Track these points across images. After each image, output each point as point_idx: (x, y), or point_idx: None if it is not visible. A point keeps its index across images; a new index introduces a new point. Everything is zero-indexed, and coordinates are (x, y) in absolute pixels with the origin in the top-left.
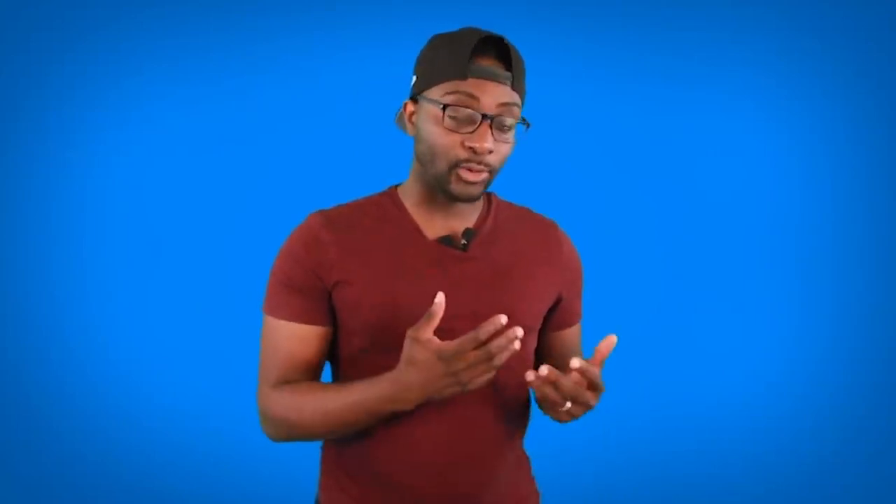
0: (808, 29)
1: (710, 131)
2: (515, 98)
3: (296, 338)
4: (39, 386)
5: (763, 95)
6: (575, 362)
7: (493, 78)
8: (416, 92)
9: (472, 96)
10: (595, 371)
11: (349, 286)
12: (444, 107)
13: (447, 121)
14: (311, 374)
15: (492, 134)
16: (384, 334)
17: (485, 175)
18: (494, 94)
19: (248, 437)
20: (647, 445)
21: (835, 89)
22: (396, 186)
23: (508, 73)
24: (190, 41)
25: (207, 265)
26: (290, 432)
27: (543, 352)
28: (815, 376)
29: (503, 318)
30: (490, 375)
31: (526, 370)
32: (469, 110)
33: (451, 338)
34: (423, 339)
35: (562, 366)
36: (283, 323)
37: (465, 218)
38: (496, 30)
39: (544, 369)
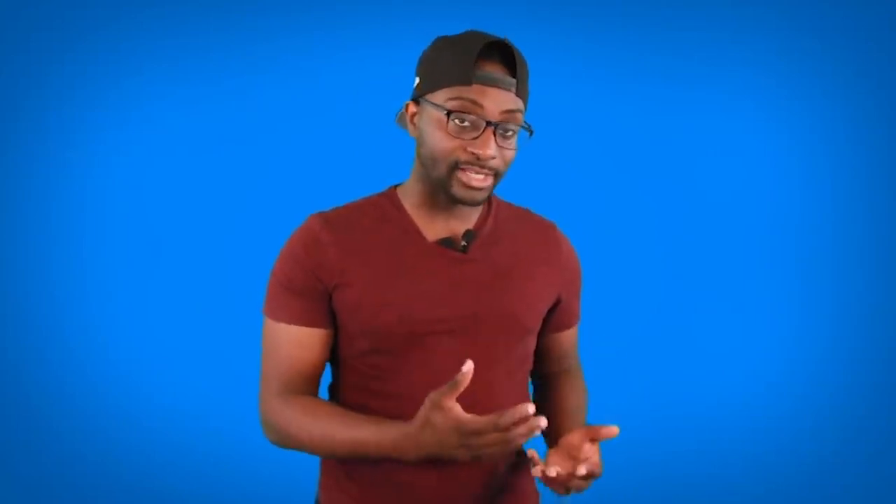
0: (808, 29)
1: (710, 131)
2: (519, 104)
3: (297, 341)
4: (39, 386)
5: (763, 95)
6: (582, 470)
7: (497, 84)
8: (419, 94)
9: (476, 103)
10: (597, 471)
11: (349, 288)
12: (449, 113)
13: (451, 126)
14: (312, 378)
15: (495, 140)
16: (384, 336)
17: (490, 180)
18: (498, 101)
19: (248, 437)
20: (647, 445)
21: (835, 89)
22: (396, 187)
23: (513, 79)
24: (190, 41)
25: (207, 265)
26: (289, 446)
27: (541, 353)
28: (815, 376)
29: (530, 408)
30: (504, 450)
31: (526, 375)
32: (473, 116)
33: (452, 340)
34: (446, 406)
35: (557, 369)
36: (283, 326)
37: (466, 219)
38: (496, 30)
39: (552, 472)
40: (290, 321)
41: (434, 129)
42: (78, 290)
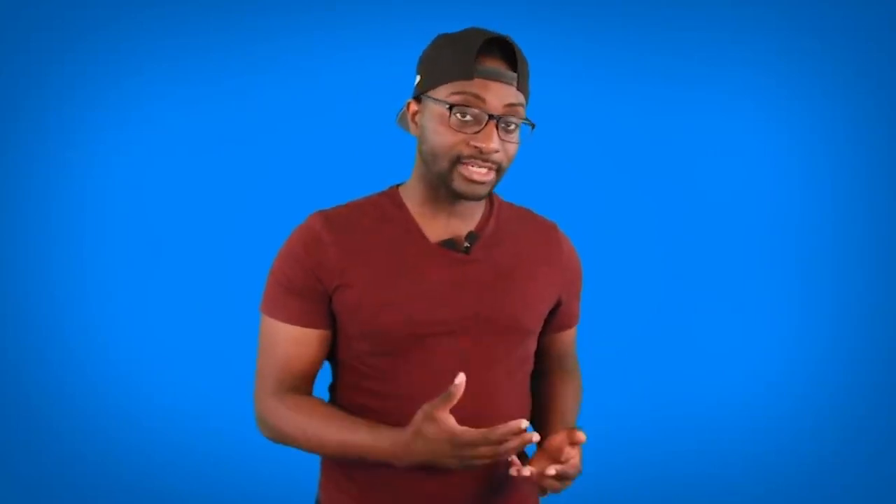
0: (808, 29)
1: (710, 131)
2: (521, 98)
3: (294, 340)
4: (39, 386)
5: (763, 95)
6: (551, 470)
7: (498, 78)
8: (420, 91)
9: (478, 97)
10: (571, 472)
11: (349, 289)
12: (451, 107)
13: (453, 120)
14: (308, 377)
15: (498, 134)
16: (385, 337)
17: (492, 176)
18: (500, 95)
19: (248, 437)
20: (647, 445)
21: (835, 89)
22: (398, 186)
23: (514, 74)
24: (190, 41)
25: (207, 265)
26: (283, 443)
27: (540, 352)
28: (815, 376)
29: (523, 424)
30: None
31: (526, 375)
32: (475, 110)
33: (453, 342)
34: (439, 418)
35: (555, 368)
36: (281, 325)
37: (468, 218)
38: (496, 29)
39: (525, 471)
40: (287, 321)
41: (436, 124)
42: (78, 290)
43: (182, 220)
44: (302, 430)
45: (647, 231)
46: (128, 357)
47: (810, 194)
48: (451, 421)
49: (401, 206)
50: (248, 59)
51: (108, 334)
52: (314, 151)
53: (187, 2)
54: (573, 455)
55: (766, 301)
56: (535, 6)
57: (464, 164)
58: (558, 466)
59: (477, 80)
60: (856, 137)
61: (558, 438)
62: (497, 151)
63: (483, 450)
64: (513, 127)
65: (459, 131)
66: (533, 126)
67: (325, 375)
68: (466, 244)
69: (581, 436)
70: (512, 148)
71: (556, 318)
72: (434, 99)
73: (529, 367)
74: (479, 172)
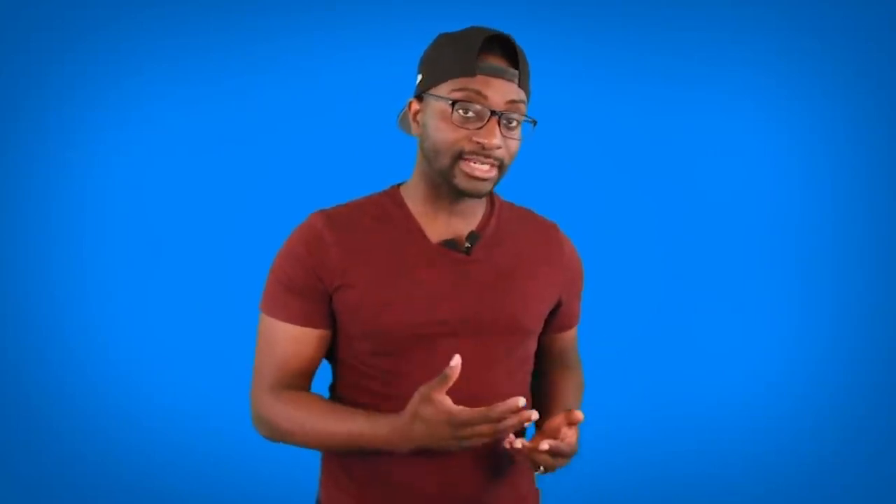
0: (808, 29)
1: (710, 131)
2: (522, 95)
3: (293, 340)
4: (39, 386)
5: (763, 95)
6: (544, 445)
7: (500, 75)
8: (422, 90)
9: (480, 93)
10: (565, 449)
11: (351, 289)
12: (454, 102)
13: (455, 116)
14: (306, 376)
15: (499, 130)
16: (386, 337)
17: (494, 172)
18: (502, 91)
19: (248, 437)
20: (647, 445)
21: (835, 89)
22: (398, 186)
23: (515, 71)
24: (190, 41)
25: (207, 265)
26: (281, 440)
27: (541, 354)
28: (815, 376)
29: (521, 401)
30: (493, 439)
31: (527, 375)
32: (478, 106)
33: (454, 342)
34: (436, 399)
35: (556, 365)
36: (281, 324)
37: (468, 218)
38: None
39: (518, 443)
40: (287, 320)
41: (438, 120)
42: (78, 290)
43: (182, 220)
44: (299, 424)
45: (648, 231)
46: (128, 357)
47: (810, 194)
48: (448, 401)
49: (402, 205)
50: (248, 59)
51: (108, 334)
52: (314, 151)
53: (187, 2)
54: (570, 434)
55: (766, 301)
56: (535, 6)
57: (465, 160)
58: (552, 442)
59: (479, 77)
60: (856, 137)
61: (556, 420)
62: (499, 148)
63: (481, 428)
64: (514, 123)
65: (462, 127)
66: (534, 123)
67: (325, 376)
68: (467, 244)
69: (578, 415)
70: (514, 144)
71: (556, 319)
72: (436, 96)
73: (530, 367)
74: (482, 169)
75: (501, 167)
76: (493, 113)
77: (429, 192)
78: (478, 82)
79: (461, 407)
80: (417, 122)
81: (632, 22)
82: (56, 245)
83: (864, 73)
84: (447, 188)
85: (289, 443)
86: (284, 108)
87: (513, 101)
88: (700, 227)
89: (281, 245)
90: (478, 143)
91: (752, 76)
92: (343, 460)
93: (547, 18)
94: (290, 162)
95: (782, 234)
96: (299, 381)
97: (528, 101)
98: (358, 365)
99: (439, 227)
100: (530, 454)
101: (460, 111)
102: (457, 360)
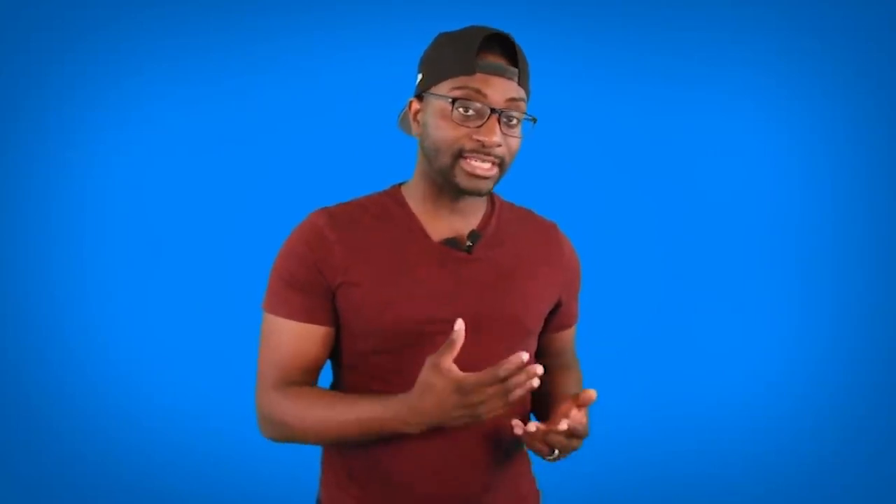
0: (808, 29)
1: (710, 131)
2: (522, 93)
3: (297, 337)
4: (39, 386)
5: (763, 95)
6: (563, 424)
7: (500, 73)
8: (423, 89)
9: (479, 91)
10: (580, 429)
11: (353, 287)
12: (454, 100)
13: (455, 115)
14: (311, 374)
15: (500, 128)
16: (388, 336)
17: (495, 170)
18: (502, 89)
19: (248, 437)
20: (647, 445)
21: (835, 89)
22: (400, 185)
23: (514, 69)
24: (190, 41)
25: (207, 265)
26: (290, 437)
27: (540, 354)
28: (815, 376)
29: (524, 356)
30: (503, 408)
31: (528, 374)
32: (478, 104)
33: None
34: (444, 367)
35: (555, 364)
36: (284, 321)
37: (469, 216)
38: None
39: (532, 427)
40: (291, 317)
41: (438, 119)
42: (78, 290)
43: (182, 220)
44: (307, 417)
45: (647, 231)
46: (128, 357)
47: (810, 194)
48: (456, 369)
49: (403, 204)
50: (248, 59)
51: (108, 334)
52: (314, 151)
53: (187, 2)
54: (580, 417)
55: (766, 301)
56: (535, 6)
57: (466, 158)
58: (570, 422)
59: (478, 75)
60: (856, 137)
61: (565, 406)
62: (500, 145)
63: (490, 390)
64: (514, 121)
65: (462, 125)
66: (534, 120)
67: (325, 378)
68: (469, 243)
69: (592, 393)
70: (514, 142)
71: (555, 318)
72: (436, 95)
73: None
74: (482, 167)
75: (502, 165)
76: (493, 111)
77: (429, 191)
78: (477, 80)
79: (468, 373)
80: (418, 122)
81: (632, 22)
82: (56, 245)
83: (864, 73)
84: (448, 187)
85: (297, 440)
86: (284, 108)
87: (512, 99)
88: (700, 227)
89: (282, 244)
90: (478, 140)
91: (752, 76)
92: (344, 460)
93: (547, 18)
94: (290, 162)
95: (782, 234)
96: (304, 378)
97: (528, 99)
98: (359, 365)
99: (440, 225)
100: (546, 436)
101: (460, 109)
102: (460, 324)
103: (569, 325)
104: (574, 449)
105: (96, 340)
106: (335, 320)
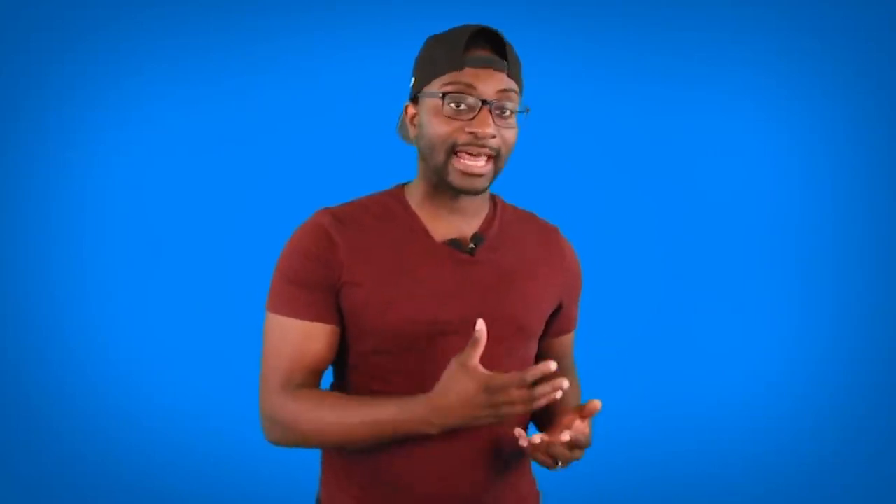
0: (808, 29)
1: (710, 131)
2: (513, 84)
3: (302, 335)
4: (39, 386)
5: (763, 95)
6: (566, 436)
7: (489, 65)
8: (416, 91)
9: (469, 85)
10: (583, 440)
11: (357, 287)
12: (444, 95)
13: (447, 109)
14: (316, 375)
15: (493, 119)
16: (390, 336)
17: (489, 166)
18: (492, 82)
19: (248, 437)
20: (647, 445)
21: (835, 89)
22: (403, 185)
23: (504, 62)
24: (190, 41)
25: (207, 265)
26: (298, 440)
27: (539, 358)
28: (815, 376)
29: (553, 365)
30: (525, 411)
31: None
32: (469, 98)
33: (456, 341)
34: (471, 366)
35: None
36: (288, 320)
37: (470, 216)
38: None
39: (536, 438)
40: (295, 315)
41: (431, 116)
42: (78, 290)
43: (182, 220)
44: (320, 420)
45: (647, 231)
46: (128, 357)
47: (810, 194)
48: (482, 368)
49: (405, 205)
50: (248, 59)
51: (108, 334)
52: (314, 151)
53: (187, 2)
54: (584, 427)
55: (766, 301)
56: (535, 6)
57: (459, 156)
58: (572, 433)
59: (467, 70)
60: (856, 137)
61: (569, 417)
62: (493, 137)
63: (516, 393)
64: (508, 113)
65: (454, 119)
66: (527, 111)
67: (324, 380)
68: (472, 245)
69: (597, 403)
70: (509, 134)
71: (555, 322)
72: (428, 94)
73: None
74: (476, 165)
75: (498, 159)
76: (484, 102)
77: (429, 192)
78: (466, 75)
79: (495, 372)
80: (414, 125)
81: (632, 22)
82: (56, 245)
83: (864, 73)
84: (443, 186)
85: (305, 443)
86: (284, 108)
87: (503, 91)
88: (700, 227)
89: (284, 244)
90: (471, 133)
91: (752, 76)
92: (344, 460)
93: (547, 18)
94: (291, 162)
95: (782, 234)
96: (310, 378)
97: (520, 92)
98: (361, 366)
99: (442, 226)
100: (549, 448)
101: (452, 104)
102: (481, 324)
103: (568, 330)
104: (576, 459)
105: (96, 340)
106: (340, 319)
